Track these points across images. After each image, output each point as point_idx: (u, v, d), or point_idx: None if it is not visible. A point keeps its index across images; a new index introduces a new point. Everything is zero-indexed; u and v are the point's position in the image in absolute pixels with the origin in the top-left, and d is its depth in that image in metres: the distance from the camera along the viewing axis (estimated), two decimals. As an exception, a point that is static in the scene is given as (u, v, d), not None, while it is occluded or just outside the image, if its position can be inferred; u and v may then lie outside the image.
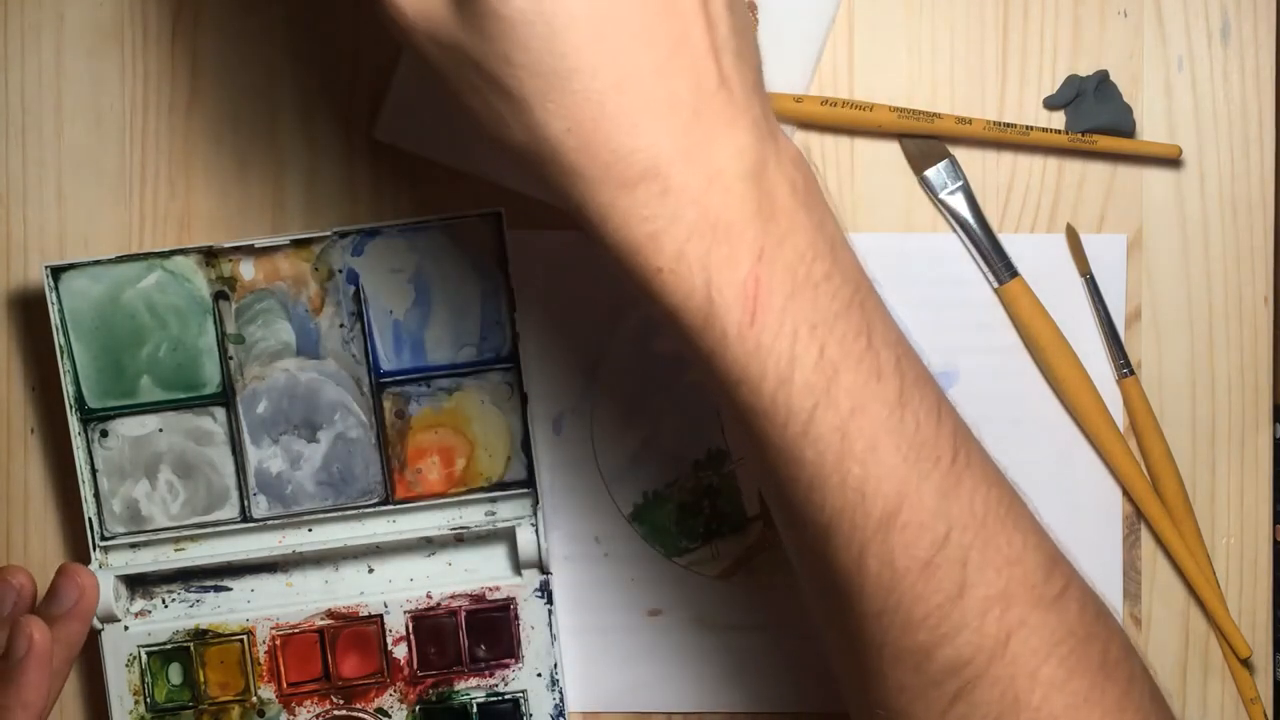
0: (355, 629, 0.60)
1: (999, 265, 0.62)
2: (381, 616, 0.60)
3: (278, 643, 0.60)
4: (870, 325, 0.44)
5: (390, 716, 0.61)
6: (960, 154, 0.62)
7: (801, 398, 0.43)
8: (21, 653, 0.55)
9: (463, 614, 0.60)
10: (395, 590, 0.61)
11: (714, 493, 0.62)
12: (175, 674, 0.61)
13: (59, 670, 0.57)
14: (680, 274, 0.42)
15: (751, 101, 0.44)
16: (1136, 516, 0.63)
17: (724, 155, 0.43)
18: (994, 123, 0.61)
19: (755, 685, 0.62)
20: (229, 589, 0.61)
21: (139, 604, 0.61)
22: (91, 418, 0.60)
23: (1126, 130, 0.62)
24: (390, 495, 0.61)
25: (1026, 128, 0.61)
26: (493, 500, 0.61)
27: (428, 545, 0.61)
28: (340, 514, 0.61)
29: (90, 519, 0.60)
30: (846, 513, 0.44)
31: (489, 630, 0.60)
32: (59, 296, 0.59)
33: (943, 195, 0.62)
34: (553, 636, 0.60)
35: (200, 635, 0.60)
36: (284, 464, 0.60)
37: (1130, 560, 0.63)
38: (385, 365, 0.60)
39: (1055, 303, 0.62)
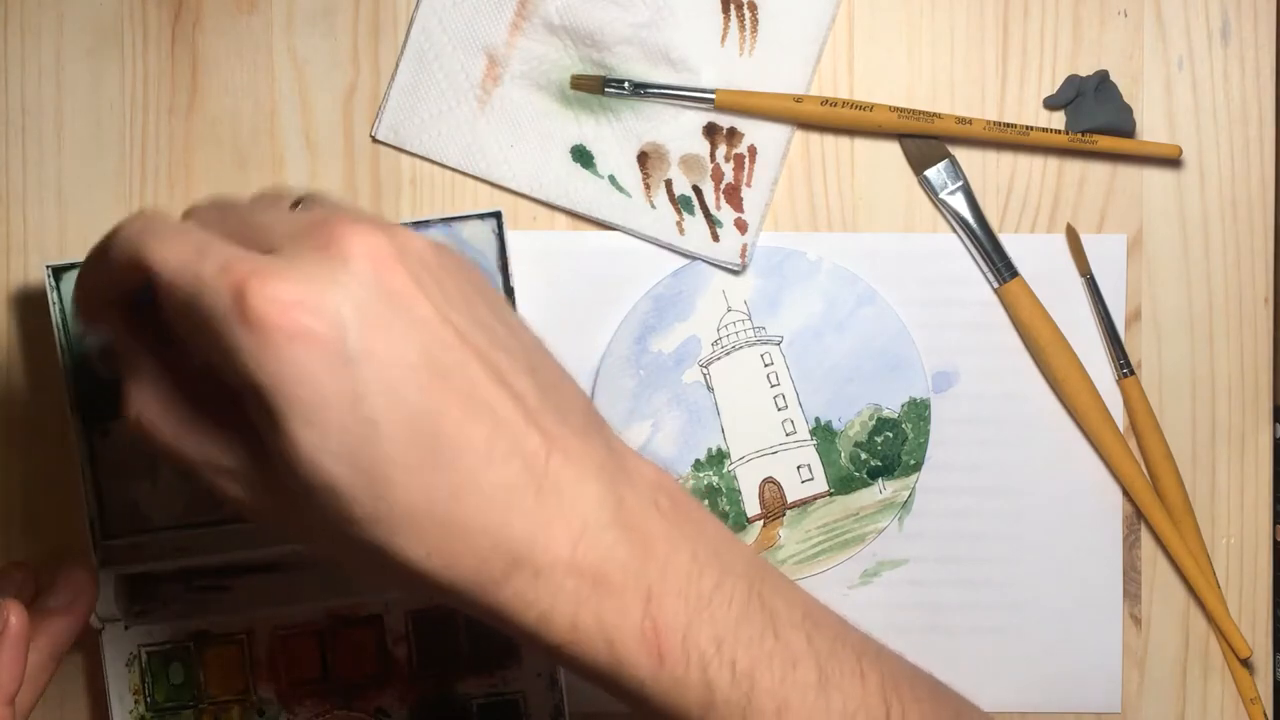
0: (355, 629, 0.60)
1: (999, 265, 0.62)
2: (381, 616, 0.60)
3: (278, 643, 0.60)
4: (773, 614, 0.44)
5: (390, 716, 0.61)
6: (960, 154, 0.62)
7: (728, 715, 0.43)
8: None
9: (463, 614, 0.60)
10: (395, 590, 0.61)
11: (714, 493, 0.62)
12: (175, 674, 0.61)
13: (43, 663, 0.57)
14: (581, 642, 0.43)
15: (589, 446, 0.44)
16: (1136, 516, 0.63)
17: (580, 514, 0.42)
18: (994, 123, 0.61)
19: (755, 685, 0.62)
20: (229, 589, 0.61)
21: (139, 604, 0.61)
22: (92, 417, 0.60)
23: (1126, 130, 0.62)
24: (390, 495, 0.61)
25: (1026, 128, 0.61)
26: (493, 500, 0.61)
27: (428, 545, 0.61)
28: (340, 514, 0.61)
29: (90, 519, 0.60)
30: None
31: (489, 630, 0.60)
32: (59, 296, 0.59)
33: (943, 195, 0.62)
34: (553, 636, 0.60)
35: (200, 635, 0.60)
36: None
37: (1130, 560, 0.63)
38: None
39: (1055, 303, 0.62)
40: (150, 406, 0.45)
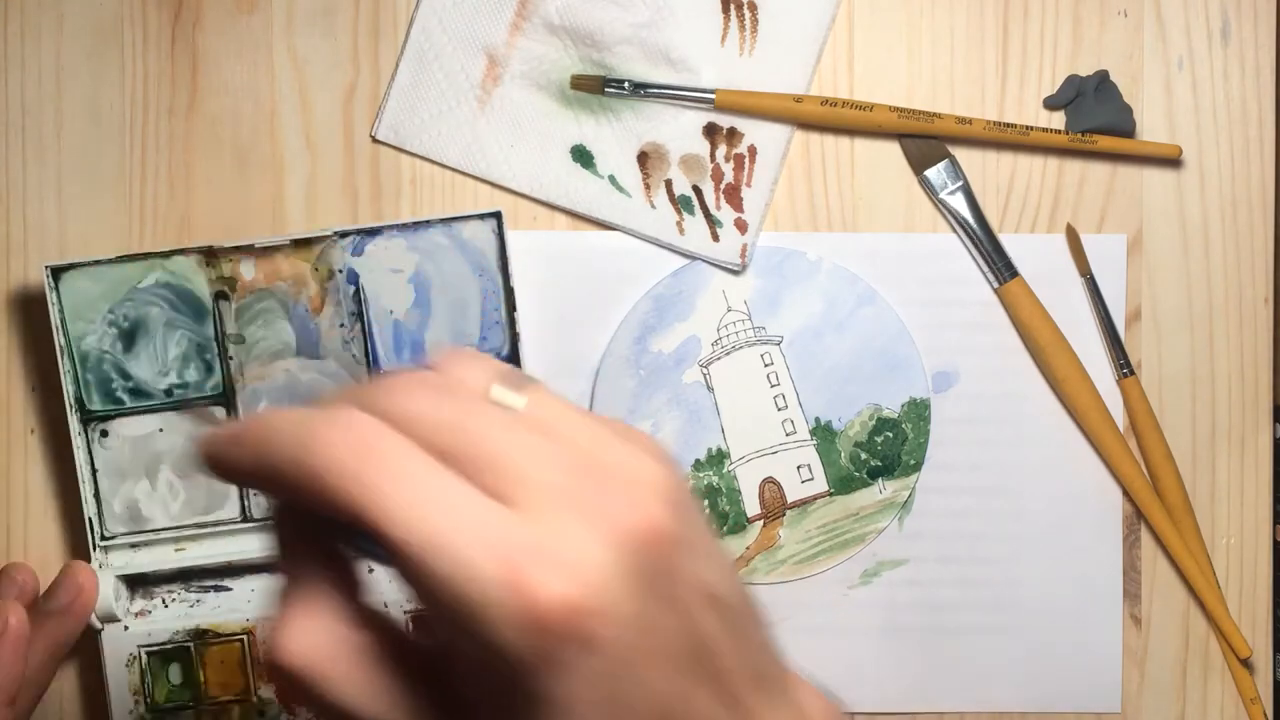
0: (355, 629, 0.60)
1: (999, 265, 0.62)
2: (381, 616, 0.60)
3: (278, 643, 0.60)
4: None
5: (390, 716, 0.61)
6: (960, 154, 0.62)
7: None
8: None
9: (463, 614, 0.60)
10: (395, 590, 0.61)
11: (714, 493, 0.62)
12: (175, 674, 0.61)
13: (44, 664, 0.57)
14: None
15: (777, 704, 0.39)
16: (1136, 516, 0.63)
17: None
18: (994, 123, 0.61)
19: (755, 685, 0.62)
20: (229, 589, 0.61)
21: (139, 604, 0.61)
22: (91, 418, 0.60)
23: (1126, 130, 0.62)
24: (390, 495, 0.61)
25: (1026, 128, 0.61)
26: (493, 500, 0.61)
27: (428, 545, 0.61)
28: (340, 514, 0.61)
29: (90, 519, 0.60)
30: None
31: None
32: (59, 296, 0.59)
33: (943, 195, 0.62)
34: (553, 636, 0.60)
35: (200, 635, 0.60)
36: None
37: (1130, 560, 0.63)
38: (385, 365, 0.60)
39: (1055, 303, 0.62)
40: (320, 647, 0.37)
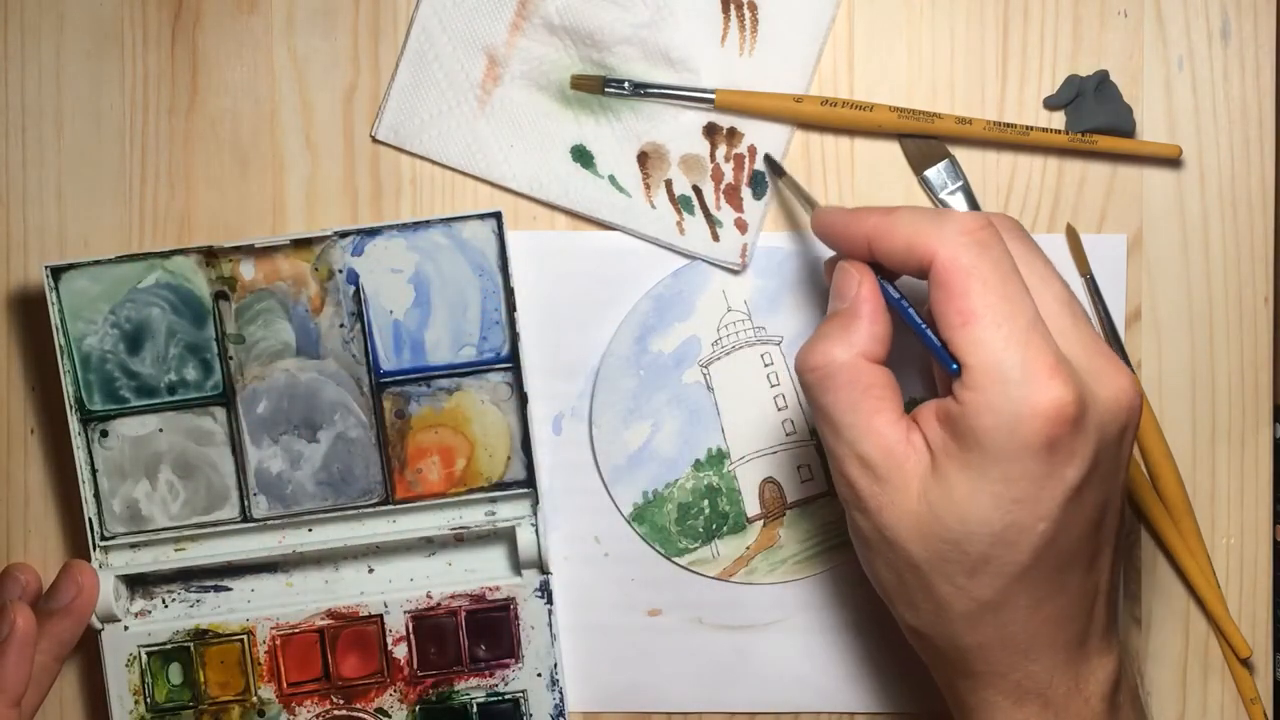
0: (355, 629, 0.60)
1: (999, 265, 0.62)
2: (381, 616, 0.60)
3: (278, 643, 0.60)
4: None
5: (390, 716, 0.61)
6: (960, 154, 0.62)
7: None
8: (3, 636, 0.55)
9: (463, 614, 0.60)
10: (395, 590, 0.61)
11: (714, 493, 0.62)
12: (175, 674, 0.61)
13: (47, 665, 0.57)
14: None
15: (1113, 632, 0.53)
16: (1136, 516, 0.63)
17: (1094, 682, 0.51)
18: (994, 123, 0.61)
19: (755, 685, 0.62)
20: (229, 589, 0.61)
21: (139, 604, 0.61)
22: (91, 418, 0.60)
23: (1126, 130, 0.62)
24: (390, 495, 0.61)
25: (1026, 128, 0.61)
26: (493, 500, 0.61)
27: (428, 545, 0.61)
28: (340, 514, 0.61)
29: (90, 519, 0.60)
30: None
31: (489, 630, 0.60)
32: (59, 296, 0.59)
33: (943, 195, 0.62)
34: (553, 636, 0.60)
35: (200, 635, 0.60)
36: (284, 464, 0.61)
37: (1130, 560, 0.63)
38: (385, 365, 0.60)
39: (1055, 303, 0.62)
40: (845, 364, 0.51)
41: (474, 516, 0.61)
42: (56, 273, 0.59)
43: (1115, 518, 0.51)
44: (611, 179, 0.62)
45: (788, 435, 0.62)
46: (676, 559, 0.62)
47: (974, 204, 0.62)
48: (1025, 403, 0.46)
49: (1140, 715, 0.54)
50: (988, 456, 0.47)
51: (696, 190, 0.62)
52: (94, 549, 0.60)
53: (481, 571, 0.61)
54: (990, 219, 0.50)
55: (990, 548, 0.48)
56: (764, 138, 0.62)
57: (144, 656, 0.60)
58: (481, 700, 0.60)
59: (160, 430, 0.60)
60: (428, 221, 0.60)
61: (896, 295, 0.52)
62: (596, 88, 0.61)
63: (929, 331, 0.50)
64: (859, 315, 0.51)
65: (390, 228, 0.60)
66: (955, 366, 0.48)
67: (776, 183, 0.61)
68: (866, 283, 0.52)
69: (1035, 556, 0.48)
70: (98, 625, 0.59)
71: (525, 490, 0.61)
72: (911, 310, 0.52)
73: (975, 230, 0.49)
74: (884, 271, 0.53)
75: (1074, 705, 0.50)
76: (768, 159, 0.60)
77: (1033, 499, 0.47)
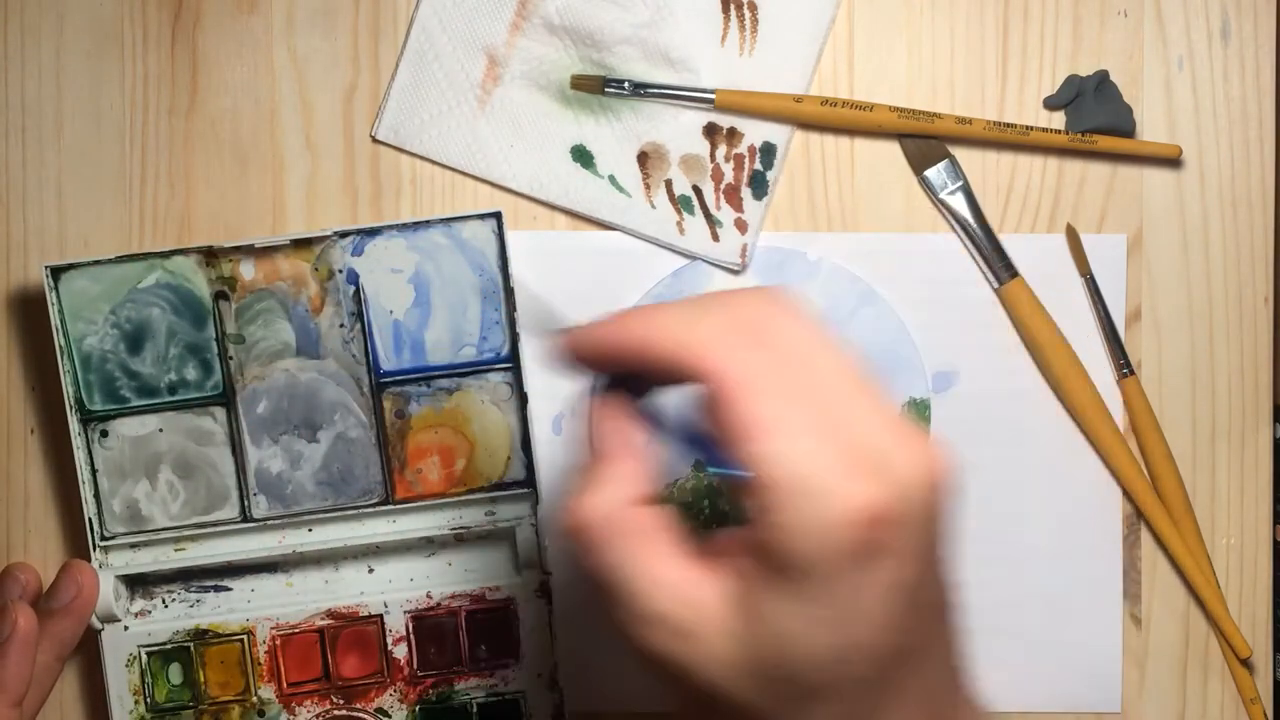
0: (355, 629, 0.60)
1: (999, 265, 0.62)
2: (381, 616, 0.60)
3: (278, 643, 0.60)
4: None
5: (390, 716, 0.61)
6: (960, 154, 0.62)
7: None
8: (4, 636, 0.55)
9: (463, 614, 0.60)
10: (395, 590, 0.61)
11: (714, 493, 0.62)
12: (175, 674, 0.61)
13: (49, 665, 0.57)
14: None
15: (970, 701, 0.46)
16: (1136, 516, 0.63)
17: None
18: (994, 123, 0.61)
19: (755, 685, 0.62)
20: (229, 589, 0.61)
21: (139, 604, 0.61)
22: (91, 418, 0.60)
23: (1126, 130, 0.62)
24: (390, 495, 0.61)
25: (1026, 128, 0.61)
26: (493, 500, 0.61)
27: (428, 545, 0.61)
28: (340, 514, 0.61)
29: (90, 519, 0.60)
30: None
31: (489, 630, 0.60)
32: (59, 296, 0.59)
33: (943, 195, 0.62)
34: (553, 636, 0.60)
35: (200, 635, 0.60)
36: (284, 464, 0.61)
37: (1130, 560, 0.63)
38: (385, 365, 0.60)
39: (1055, 303, 0.62)
40: (607, 517, 0.43)
41: (474, 516, 0.61)
42: (56, 273, 0.59)
43: (940, 590, 0.45)
44: (611, 179, 0.62)
45: (788, 435, 0.62)
46: (676, 559, 0.62)
47: (974, 204, 0.62)
48: (830, 512, 0.40)
49: None
50: (802, 578, 0.41)
51: (696, 190, 0.62)
52: (94, 549, 0.60)
53: (481, 571, 0.61)
54: (755, 297, 0.43)
55: (826, 673, 0.42)
56: (764, 138, 0.62)
57: (144, 656, 0.60)
58: (481, 700, 0.60)
59: (160, 430, 0.60)
60: (428, 221, 0.60)
61: (661, 419, 0.45)
62: (596, 88, 0.61)
63: (711, 450, 0.43)
64: (607, 456, 0.44)
65: (390, 228, 0.60)
66: (750, 474, 0.41)
67: (513, 302, 0.57)
68: (605, 419, 0.45)
69: (876, 668, 0.42)
70: (98, 625, 0.59)
71: (525, 490, 0.61)
72: (684, 432, 0.45)
73: (738, 326, 0.42)
74: (645, 384, 0.45)
75: None
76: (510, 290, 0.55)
77: (862, 611, 0.41)
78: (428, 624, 0.60)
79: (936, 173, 0.62)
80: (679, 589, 0.42)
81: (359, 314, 0.60)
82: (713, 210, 0.62)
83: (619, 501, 0.43)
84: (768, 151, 0.62)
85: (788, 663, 0.41)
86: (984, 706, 0.47)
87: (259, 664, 0.60)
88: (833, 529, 0.40)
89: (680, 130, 0.62)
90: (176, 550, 0.61)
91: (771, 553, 0.41)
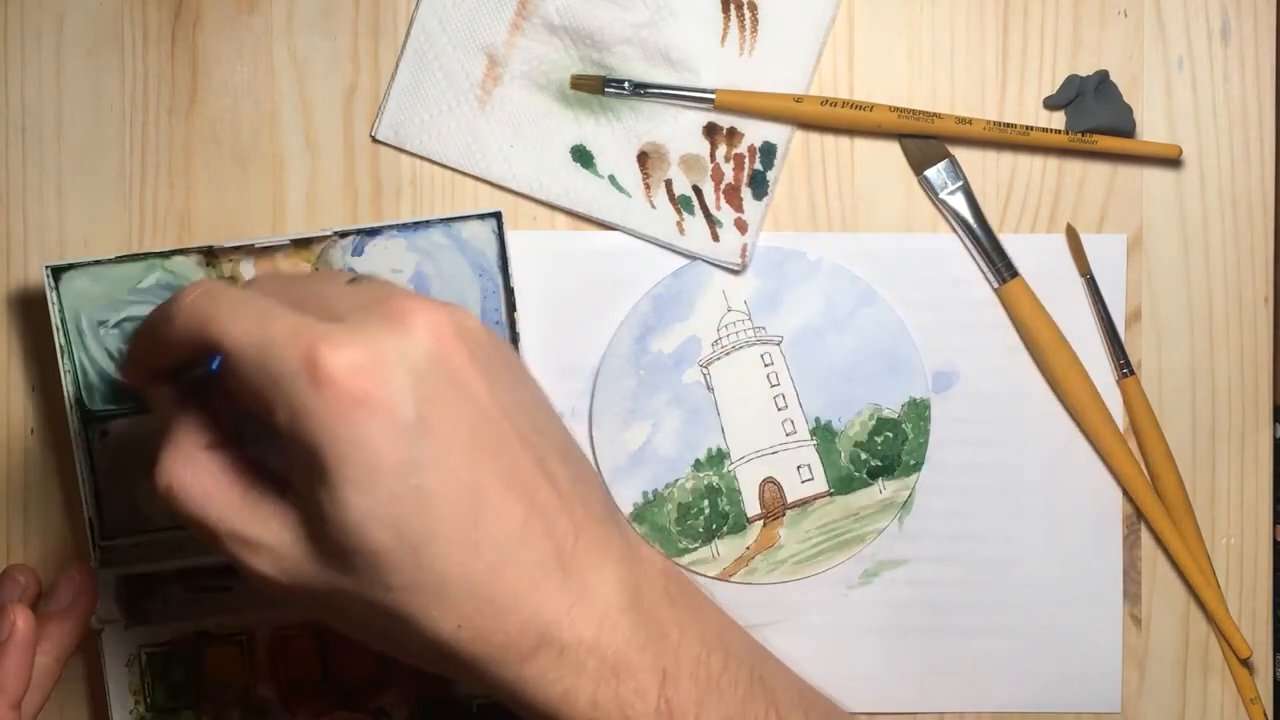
0: (355, 629, 0.60)
1: (999, 265, 0.62)
2: (381, 616, 0.60)
3: (278, 643, 0.60)
4: (773, 695, 0.47)
5: (390, 716, 0.61)
6: (960, 154, 0.62)
7: None
8: (3, 638, 0.55)
9: (463, 614, 0.60)
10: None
11: (714, 493, 0.62)
12: (175, 674, 0.61)
13: (49, 666, 0.57)
14: (600, 719, 0.45)
15: (609, 533, 0.47)
16: (1136, 516, 0.63)
17: (602, 597, 0.45)
18: (994, 123, 0.61)
19: (755, 685, 0.62)
20: (229, 589, 0.61)
21: (139, 604, 0.61)
22: (91, 418, 0.60)
23: (1126, 130, 0.62)
24: (390, 495, 0.61)
25: (1026, 128, 0.61)
26: (493, 500, 0.61)
27: (428, 545, 0.61)
28: (340, 514, 0.61)
29: (90, 519, 0.60)
30: None
31: (489, 630, 0.60)
32: (59, 296, 0.59)
33: (943, 195, 0.62)
34: (553, 636, 0.60)
35: (200, 635, 0.60)
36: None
37: (1130, 560, 0.63)
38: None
39: (1055, 303, 0.62)
40: (183, 475, 0.47)
41: (474, 516, 0.61)
42: (56, 273, 0.59)
43: (528, 428, 0.46)
44: (611, 179, 0.62)
45: (788, 435, 0.62)
46: (677, 559, 0.62)
47: (974, 204, 0.62)
48: (308, 385, 0.43)
49: (689, 607, 0.47)
50: (317, 453, 0.43)
51: (696, 190, 0.62)
52: (94, 549, 0.60)
53: (481, 571, 0.61)
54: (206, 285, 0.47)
55: (377, 533, 0.43)
56: (764, 138, 0.62)
57: (144, 657, 0.60)
58: (481, 700, 0.60)
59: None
60: (428, 221, 0.60)
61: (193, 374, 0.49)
62: (596, 88, 0.61)
63: (187, 370, 0.48)
64: (163, 426, 0.49)
65: (390, 228, 0.60)
66: (215, 364, 0.46)
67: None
68: (152, 401, 0.51)
69: (435, 516, 0.43)
70: (97, 625, 0.59)
71: (525, 490, 0.61)
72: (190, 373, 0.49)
73: (195, 293, 0.47)
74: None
75: (585, 636, 0.44)
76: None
77: (386, 467, 0.43)
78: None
79: (936, 173, 0.62)
80: (246, 511, 0.46)
81: (359, 314, 0.60)
82: (713, 210, 0.62)
83: (186, 451, 0.48)
84: (768, 151, 0.62)
85: (338, 536, 0.44)
86: (640, 545, 0.48)
87: (259, 664, 0.60)
88: (310, 399, 0.43)
89: (680, 130, 0.62)
90: (176, 550, 0.61)
91: (290, 451, 0.44)
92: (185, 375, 0.49)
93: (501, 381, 0.46)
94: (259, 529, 0.46)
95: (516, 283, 0.60)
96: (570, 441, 0.48)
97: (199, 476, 0.47)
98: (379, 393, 0.43)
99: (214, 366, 0.46)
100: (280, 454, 0.46)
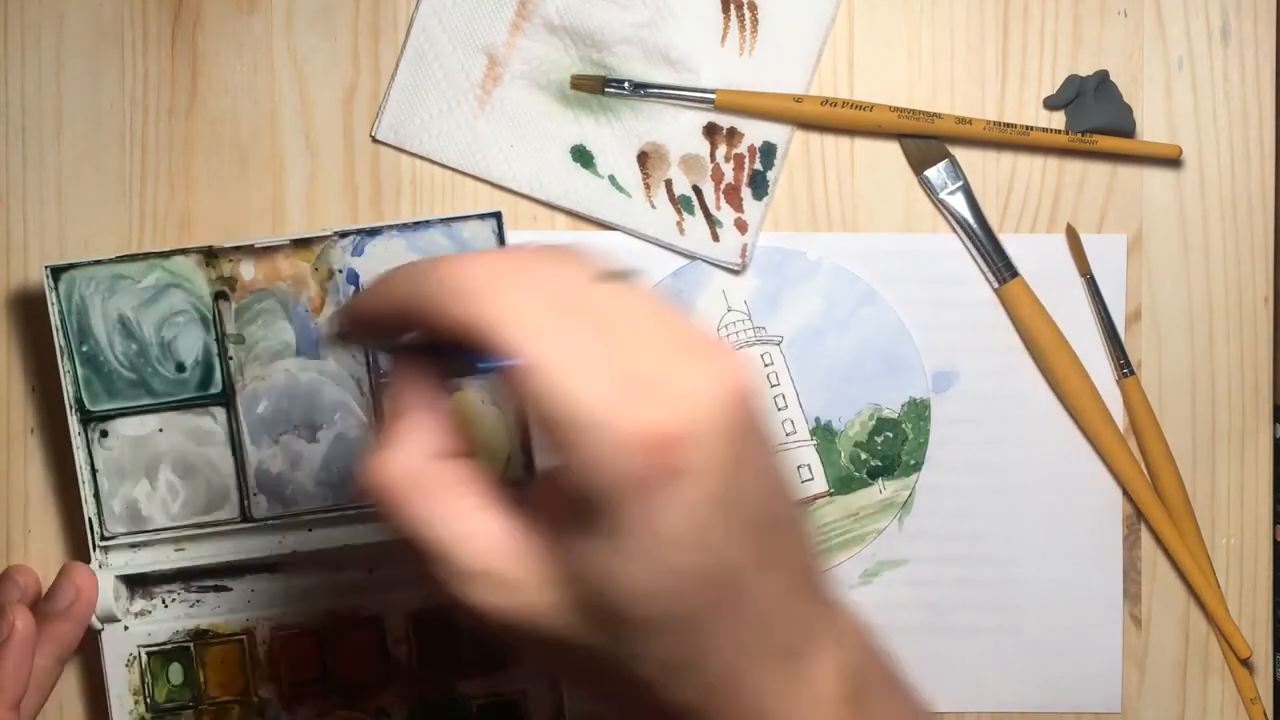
0: (355, 629, 0.60)
1: (999, 265, 0.62)
2: (382, 617, 0.60)
3: (278, 643, 0.60)
4: None
5: (390, 716, 0.61)
6: (960, 154, 0.62)
7: None
8: (2, 638, 0.55)
9: (463, 614, 0.60)
10: (395, 591, 0.61)
11: (714, 493, 0.62)
12: (175, 674, 0.61)
13: (48, 667, 0.57)
14: None
15: (833, 617, 0.45)
16: (1136, 516, 0.63)
17: (827, 687, 0.44)
18: (994, 123, 0.61)
19: (755, 685, 0.62)
20: (229, 589, 0.61)
21: (139, 604, 0.61)
22: (91, 418, 0.60)
23: (1126, 130, 0.62)
24: (390, 495, 0.61)
25: (1026, 128, 0.61)
26: (493, 500, 0.61)
27: (428, 545, 0.61)
28: (340, 514, 0.61)
29: (90, 519, 0.60)
30: None
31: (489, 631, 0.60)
32: (59, 296, 0.59)
33: (943, 195, 0.62)
34: (553, 636, 0.60)
35: (200, 635, 0.60)
36: (284, 464, 0.60)
37: (1130, 560, 0.63)
38: (385, 365, 0.60)
39: (1055, 303, 0.62)
40: (408, 473, 0.42)
41: (474, 516, 0.61)
42: (56, 273, 0.59)
43: (780, 503, 0.43)
44: (611, 179, 0.62)
45: (788, 435, 0.62)
46: (676, 559, 0.62)
47: (974, 204, 0.62)
48: (610, 443, 0.39)
49: (897, 699, 0.47)
50: (600, 513, 0.39)
51: (696, 190, 0.62)
52: (94, 549, 0.60)
53: (481, 571, 0.61)
54: (502, 253, 0.42)
55: (647, 604, 0.40)
56: (764, 138, 0.62)
57: (144, 656, 0.60)
58: (481, 701, 0.60)
59: (160, 430, 0.60)
60: (428, 221, 0.60)
61: (441, 356, 0.43)
62: (596, 88, 0.61)
63: (477, 363, 0.41)
64: (398, 414, 0.43)
65: (390, 228, 0.60)
66: (516, 361, 0.39)
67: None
68: (397, 378, 0.44)
69: (697, 590, 0.41)
70: (97, 625, 0.59)
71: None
72: (457, 358, 0.42)
73: (488, 270, 0.40)
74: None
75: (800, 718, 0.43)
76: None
77: (669, 536, 0.40)
78: (428, 624, 0.60)
79: (936, 173, 0.62)
80: (493, 541, 0.41)
81: (359, 314, 0.60)
82: (713, 210, 0.62)
83: (419, 456, 0.42)
84: (768, 151, 0.62)
85: (607, 600, 0.40)
86: (850, 609, 0.46)
87: (259, 664, 0.60)
88: (616, 459, 0.39)
89: (680, 130, 0.62)
90: (176, 550, 0.61)
91: (569, 492, 0.40)
92: (418, 347, 0.43)
93: (770, 446, 0.42)
94: (495, 560, 0.41)
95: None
96: (802, 509, 0.46)
97: (429, 489, 0.42)
98: (691, 465, 0.39)
99: (484, 367, 0.40)
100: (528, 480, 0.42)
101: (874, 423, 0.62)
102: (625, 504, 0.39)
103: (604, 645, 0.41)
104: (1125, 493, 0.62)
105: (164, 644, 0.60)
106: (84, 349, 0.60)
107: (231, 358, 0.60)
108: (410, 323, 0.42)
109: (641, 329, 0.41)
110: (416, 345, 0.43)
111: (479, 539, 0.41)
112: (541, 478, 0.43)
